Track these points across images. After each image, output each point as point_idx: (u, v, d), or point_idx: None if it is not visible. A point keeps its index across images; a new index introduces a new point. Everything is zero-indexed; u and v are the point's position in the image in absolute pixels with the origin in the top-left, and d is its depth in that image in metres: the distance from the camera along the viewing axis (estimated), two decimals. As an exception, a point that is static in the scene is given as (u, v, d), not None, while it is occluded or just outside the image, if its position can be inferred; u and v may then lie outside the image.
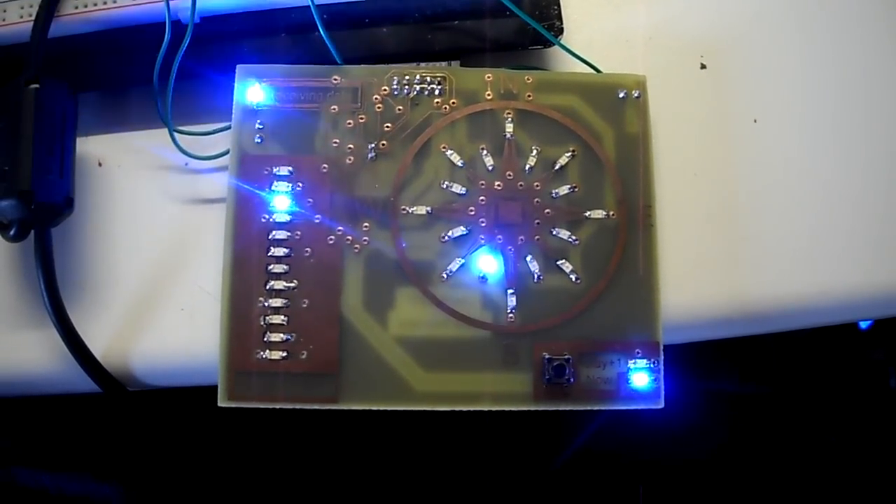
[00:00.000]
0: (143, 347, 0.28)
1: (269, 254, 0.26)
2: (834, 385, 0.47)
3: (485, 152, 0.27)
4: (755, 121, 0.30)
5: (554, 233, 0.27)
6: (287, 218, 0.26)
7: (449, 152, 0.27)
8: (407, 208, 0.27)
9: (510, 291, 0.26)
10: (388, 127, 0.27)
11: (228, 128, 0.27)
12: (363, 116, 0.27)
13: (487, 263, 0.27)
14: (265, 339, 0.26)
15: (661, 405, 0.26)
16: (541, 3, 0.29)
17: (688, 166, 0.30)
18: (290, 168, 0.27)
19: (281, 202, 0.26)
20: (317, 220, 0.27)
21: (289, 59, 0.28)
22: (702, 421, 0.45)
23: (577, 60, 0.29)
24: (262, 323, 0.26)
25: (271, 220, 0.26)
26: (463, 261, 0.26)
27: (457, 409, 0.26)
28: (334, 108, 0.27)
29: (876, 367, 0.47)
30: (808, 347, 0.46)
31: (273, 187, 0.27)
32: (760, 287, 0.29)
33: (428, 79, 0.27)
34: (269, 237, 0.26)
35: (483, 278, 0.26)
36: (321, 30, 0.27)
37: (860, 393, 0.47)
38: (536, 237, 0.27)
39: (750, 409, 0.47)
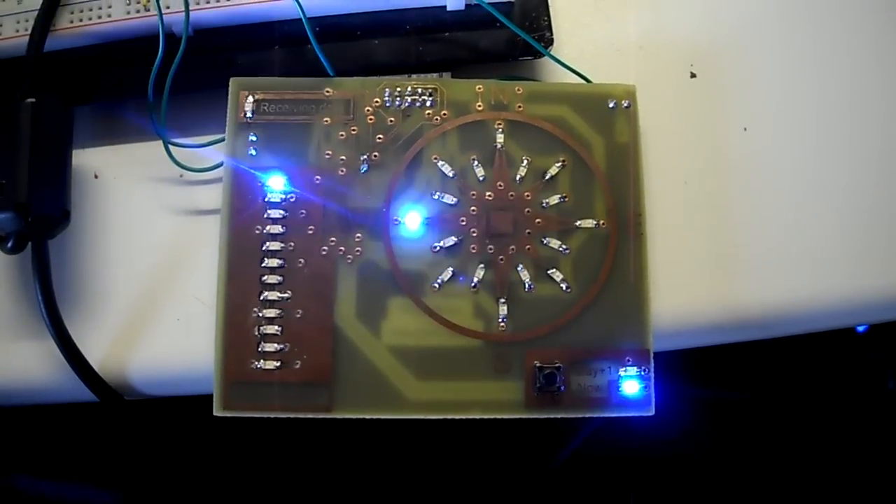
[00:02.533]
0: (139, 357, 0.28)
1: (263, 264, 0.27)
2: (832, 387, 0.47)
3: (476, 163, 0.27)
4: (745, 129, 0.30)
5: (545, 242, 0.27)
6: (281, 229, 0.27)
7: (440, 163, 0.27)
8: (399, 219, 0.27)
9: (501, 300, 0.27)
10: (380, 138, 0.27)
11: (222, 140, 0.28)
12: (355, 128, 0.28)
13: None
14: (260, 349, 0.26)
15: (652, 412, 0.26)
16: (531, 14, 0.29)
17: (678, 175, 0.30)
18: (284, 179, 0.27)
19: (275, 213, 0.27)
20: (310, 232, 0.27)
21: (282, 71, 0.29)
22: (696, 427, 0.45)
23: (568, 71, 0.29)
24: (256, 333, 0.26)
25: (265, 230, 0.27)
26: (454, 270, 0.27)
27: (449, 417, 0.26)
28: (327, 120, 0.27)
29: (874, 369, 0.47)
30: (805, 350, 0.46)
31: (267, 199, 0.27)
32: (752, 294, 0.29)
33: (419, 90, 0.28)
34: (264, 248, 0.27)
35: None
36: (313, 42, 0.28)
37: (859, 395, 0.47)
38: (527, 247, 0.27)
39: (746, 414, 0.47)
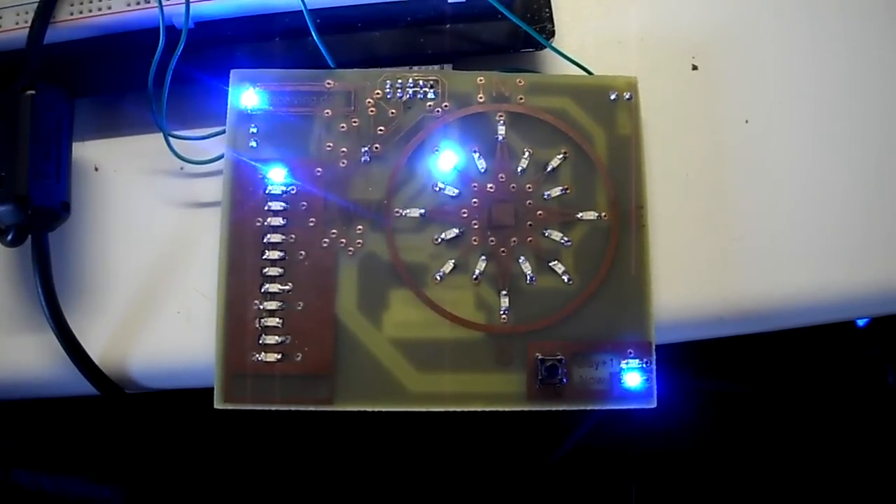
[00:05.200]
0: (140, 350, 0.28)
1: (264, 257, 0.26)
2: (832, 382, 0.47)
3: (477, 155, 0.27)
4: (747, 121, 0.30)
5: (546, 234, 0.27)
6: (282, 221, 0.27)
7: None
8: (400, 211, 0.27)
9: (503, 292, 0.27)
10: (381, 130, 0.27)
11: (223, 132, 0.28)
12: (356, 120, 0.27)
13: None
14: (260, 342, 0.26)
15: (654, 405, 0.26)
16: (532, 6, 0.29)
17: (680, 167, 0.30)
18: (285, 172, 0.27)
19: (275, 205, 0.27)
20: (311, 224, 0.27)
21: (282, 63, 0.29)
22: (698, 419, 0.45)
23: (569, 63, 0.29)
24: (257, 325, 0.26)
25: (266, 223, 0.27)
26: (455, 262, 0.27)
27: (450, 409, 0.26)
28: (328, 112, 0.27)
29: (874, 364, 0.47)
30: (805, 345, 0.46)
31: (267, 191, 0.27)
32: (753, 286, 0.29)
33: (420, 82, 0.28)
34: (264, 240, 0.27)
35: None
36: (314, 34, 0.27)
37: (858, 390, 0.47)
38: (529, 239, 0.27)
39: (748, 407, 0.47)
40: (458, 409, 0.26)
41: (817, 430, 0.47)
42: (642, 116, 0.28)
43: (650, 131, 0.29)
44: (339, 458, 0.44)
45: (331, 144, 0.27)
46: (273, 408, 0.26)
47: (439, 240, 0.27)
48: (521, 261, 0.27)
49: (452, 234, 0.27)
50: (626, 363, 0.26)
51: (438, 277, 0.27)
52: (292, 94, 0.27)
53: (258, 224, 0.27)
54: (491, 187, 0.27)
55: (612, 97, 0.28)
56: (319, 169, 0.27)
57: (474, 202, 0.27)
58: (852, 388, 0.47)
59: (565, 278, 0.27)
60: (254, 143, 0.27)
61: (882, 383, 0.47)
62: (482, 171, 0.27)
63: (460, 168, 0.27)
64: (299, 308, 0.26)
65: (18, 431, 0.38)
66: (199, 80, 0.29)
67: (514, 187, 0.27)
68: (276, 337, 0.26)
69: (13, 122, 0.26)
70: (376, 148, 0.27)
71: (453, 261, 0.27)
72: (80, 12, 0.28)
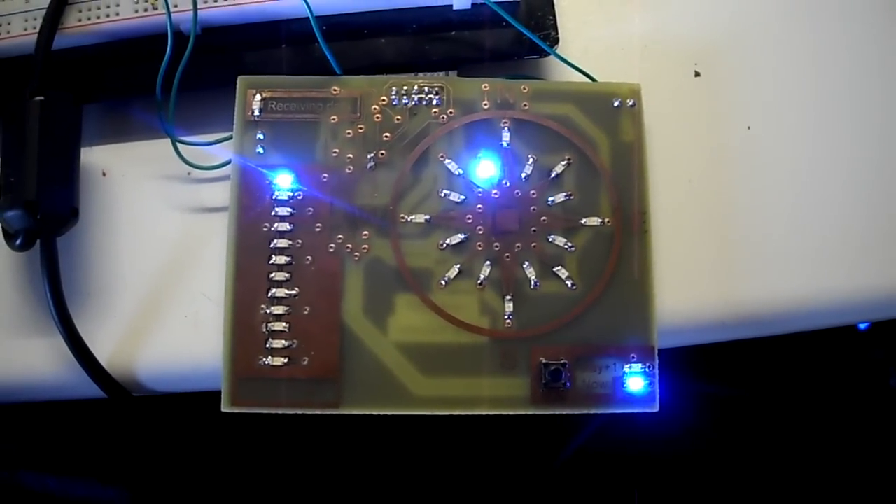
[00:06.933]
0: (147, 354, 0.28)
1: (271, 262, 0.27)
2: (834, 385, 0.47)
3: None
4: (749, 127, 0.31)
5: (550, 240, 0.27)
6: (288, 226, 0.27)
7: (447, 161, 0.28)
8: (406, 216, 0.27)
9: (507, 297, 0.27)
10: (386, 136, 0.28)
11: (230, 138, 0.28)
12: (362, 126, 0.28)
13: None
14: (267, 346, 0.26)
15: (657, 409, 0.26)
16: (536, 14, 0.30)
17: (682, 173, 0.30)
18: (291, 177, 0.27)
19: (282, 210, 0.27)
20: (317, 229, 0.27)
21: (289, 69, 0.29)
22: (700, 423, 0.45)
23: (573, 69, 0.29)
24: (264, 330, 0.26)
25: (273, 228, 0.27)
26: (460, 268, 0.27)
27: (455, 413, 0.26)
28: (334, 119, 0.28)
29: (876, 367, 0.48)
30: (807, 348, 0.46)
31: (274, 196, 0.27)
32: (755, 291, 0.29)
33: (426, 89, 0.28)
34: (271, 245, 0.27)
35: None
36: (321, 41, 0.28)
37: (860, 393, 0.47)
38: (533, 244, 0.27)
39: (750, 411, 0.47)
40: (463, 413, 0.26)
41: (820, 434, 0.47)
42: (645, 123, 0.28)
43: (653, 137, 0.29)
44: (345, 461, 0.44)
45: (337, 150, 0.28)
46: (279, 411, 0.26)
47: (444, 245, 0.27)
48: (525, 266, 0.27)
49: (457, 240, 0.27)
50: (629, 367, 0.27)
51: (443, 282, 0.27)
52: (299, 101, 0.28)
53: (265, 229, 0.27)
54: (495, 193, 0.27)
55: (616, 104, 0.28)
56: (325, 175, 0.27)
57: (479, 208, 0.27)
58: (854, 391, 0.47)
59: (569, 283, 0.27)
60: (261, 149, 0.27)
61: (884, 386, 0.47)
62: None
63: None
64: (306, 312, 0.26)
65: (25, 433, 0.38)
66: (207, 85, 0.29)
67: (518, 193, 0.28)
68: (283, 341, 0.26)
69: (22, 127, 0.27)
70: (382, 154, 0.28)
71: (458, 266, 0.27)
72: (89, 18, 0.29)
